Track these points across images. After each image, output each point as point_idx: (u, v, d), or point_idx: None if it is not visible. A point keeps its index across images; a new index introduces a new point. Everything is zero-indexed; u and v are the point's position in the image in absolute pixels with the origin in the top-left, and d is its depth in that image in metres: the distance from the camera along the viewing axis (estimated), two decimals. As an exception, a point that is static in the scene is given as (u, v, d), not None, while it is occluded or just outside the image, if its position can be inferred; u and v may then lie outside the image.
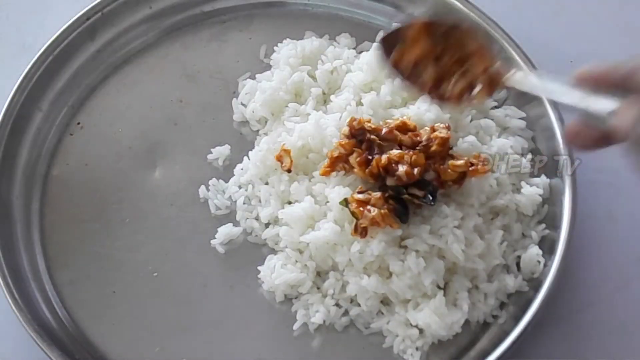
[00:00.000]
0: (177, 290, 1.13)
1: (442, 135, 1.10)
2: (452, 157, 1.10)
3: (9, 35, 1.36)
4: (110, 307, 1.12)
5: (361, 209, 1.06)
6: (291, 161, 1.13)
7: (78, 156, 1.22)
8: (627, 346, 1.11)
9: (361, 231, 1.06)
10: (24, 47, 1.32)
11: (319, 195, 1.12)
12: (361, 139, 1.10)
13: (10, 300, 1.07)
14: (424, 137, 1.10)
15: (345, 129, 1.12)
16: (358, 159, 1.08)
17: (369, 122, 1.12)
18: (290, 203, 1.14)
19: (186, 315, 1.11)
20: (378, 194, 1.07)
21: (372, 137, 1.09)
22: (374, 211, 1.05)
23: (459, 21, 1.01)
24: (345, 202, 1.08)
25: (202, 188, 1.19)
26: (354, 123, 1.11)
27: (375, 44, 1.20)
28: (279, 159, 1.14)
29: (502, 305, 1.10)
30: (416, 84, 1.00)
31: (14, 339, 1.11)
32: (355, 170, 1.09)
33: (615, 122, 0.76)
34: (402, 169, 1.06)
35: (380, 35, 1.23)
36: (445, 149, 1.10)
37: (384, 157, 1.07)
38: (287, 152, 1.14)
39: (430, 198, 1.07)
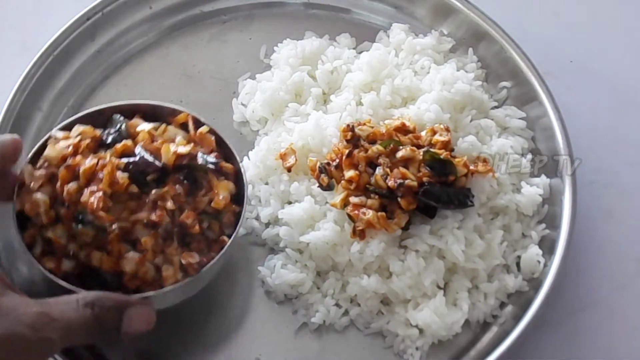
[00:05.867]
0: (177, 290, 1.12)
1: (442, 139, 1.10)
2: (454, 158, 1.09)
3: (9, 35, 1.36)
4: (110, 307, 1.11)
5: (356, 212, 1.06)
6: (296, 160, 1.13)
7: (78, 156, 1.22)
8: (627, 346, 1.11)
9: (359, 234, 1.06)
10: (24, 47, 1.32)
11: (318, 195, 1.12)
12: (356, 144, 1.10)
13: (10, 300, 1.07)
14: (425, 141, 1.10)
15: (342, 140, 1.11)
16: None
17: (369, 122, 1.12)
18: (290, 203, 1.14)
19: (186, 315, 1.11)
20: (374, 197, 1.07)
21: (367, 145, 1.09)
22: (369, 213, 1.05)
23: None
24: (343, 205, 1.08)
25: (202, 188, 1.19)
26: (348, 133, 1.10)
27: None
28: (283, 157, 1.14)
29: (502, 305, 1.10)
30: None
31: (14, 339, 1.11)
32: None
33: None
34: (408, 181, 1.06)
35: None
36: (448, 152, 1.09)
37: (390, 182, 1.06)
38: (293, 151, 1.14)
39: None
